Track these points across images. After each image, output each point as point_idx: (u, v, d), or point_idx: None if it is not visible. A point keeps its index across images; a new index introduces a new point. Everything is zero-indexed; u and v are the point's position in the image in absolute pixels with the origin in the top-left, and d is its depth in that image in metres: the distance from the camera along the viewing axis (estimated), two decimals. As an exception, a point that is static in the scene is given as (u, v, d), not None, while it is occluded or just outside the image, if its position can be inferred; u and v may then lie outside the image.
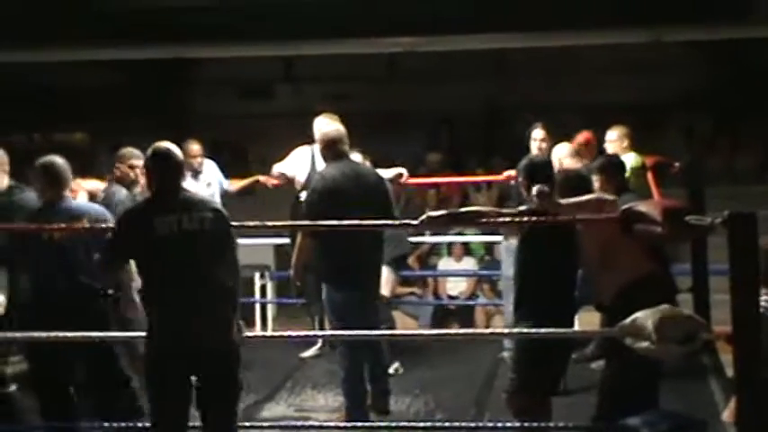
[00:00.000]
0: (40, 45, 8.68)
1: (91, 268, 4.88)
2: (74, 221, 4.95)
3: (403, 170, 6.89)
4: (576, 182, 4.99)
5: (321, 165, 5.96)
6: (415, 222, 4.68)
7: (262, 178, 7.50)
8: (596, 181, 5.26)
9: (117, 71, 10.67)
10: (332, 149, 5.66)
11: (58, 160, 5.23)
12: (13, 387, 5.06)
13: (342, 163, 5.62)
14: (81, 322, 4.76)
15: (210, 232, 4.26)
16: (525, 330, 4.69)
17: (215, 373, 4.25)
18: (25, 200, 5.40)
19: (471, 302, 9.33)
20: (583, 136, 6.92)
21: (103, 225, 4.88)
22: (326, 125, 6.02)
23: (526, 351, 4.76)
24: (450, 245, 9.46)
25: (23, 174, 6.74)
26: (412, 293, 9.53)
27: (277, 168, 6.98)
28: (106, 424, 4.99)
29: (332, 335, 6.04)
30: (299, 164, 6.79)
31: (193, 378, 4.25)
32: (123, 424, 4.88)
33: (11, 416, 5.06)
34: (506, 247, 6.71)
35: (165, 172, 4.36)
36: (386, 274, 6.30)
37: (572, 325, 4.96)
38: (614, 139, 6.81)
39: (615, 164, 5.59)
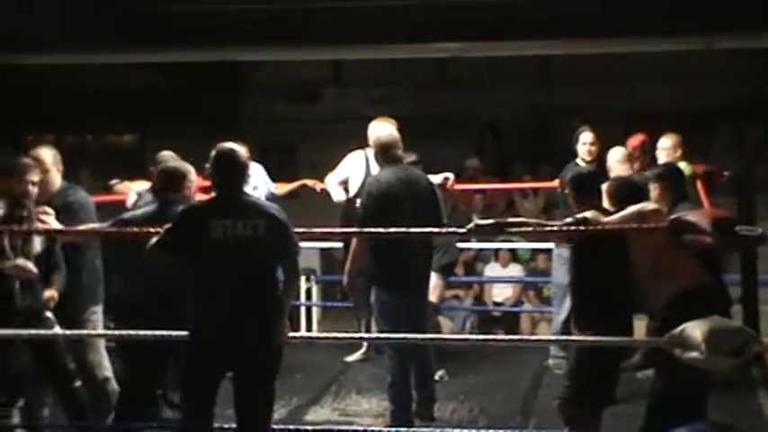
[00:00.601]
0: (91, 47, 8.77)
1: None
2: None
3: (450, 175, 6.89)
4: (627, 189, 4.91)
5: (376, 169, 6.00)
6: (462, 230, 4.70)
7: (309, 182, 7.53)
8: (654, 189, 5.05)
9: (166, 74, 10.76)
10: (385, 154, 5.70)
11: (174, 163, 5.26)
12: (78, 383, 5.14)
13: (396, 167, 5.65)
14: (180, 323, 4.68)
15: (264, 239, 4.28)
16: (572, 338, 4.67)
17: (250, 377, 4.30)
18: (80, 201, 5.46)
19: (516, 309, 9.28)
20: (637, 138, 6.84)
21: None
22: (380, 129, 6.05)
23: (585, 361, 4.72)
24: (497, 251, 9.43)
25: (75, 174, 6.84)
26: (455, 296, 9.50)
27: (331, 181, 7.01)
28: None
29: (377, 338, 6.06)
30: (354, 168, 6.83)
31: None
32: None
33: (81, 411, 5.14)
34: (558, 254, 6.70)
35: (226, 174, 4.37)
36: (434, 280, 6.30)
37: (631, 335, 4.90)
38: (668, 147, 6.65)
39: (675, 173, 5.32)
